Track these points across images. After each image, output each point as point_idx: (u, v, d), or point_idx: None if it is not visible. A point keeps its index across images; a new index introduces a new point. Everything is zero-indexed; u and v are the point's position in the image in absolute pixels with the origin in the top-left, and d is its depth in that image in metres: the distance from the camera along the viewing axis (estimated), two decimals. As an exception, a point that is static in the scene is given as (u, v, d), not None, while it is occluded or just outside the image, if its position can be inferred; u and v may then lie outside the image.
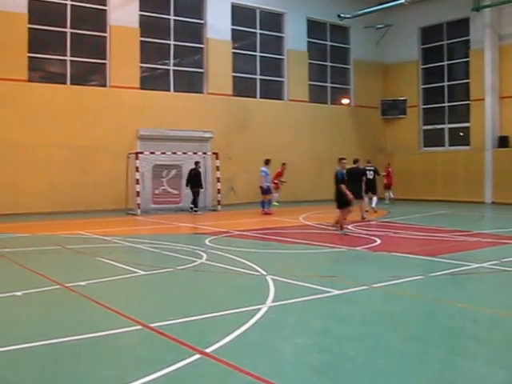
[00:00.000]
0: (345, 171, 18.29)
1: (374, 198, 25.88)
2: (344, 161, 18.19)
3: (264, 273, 11.33)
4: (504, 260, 12.83)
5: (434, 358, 6.59)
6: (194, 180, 26.12)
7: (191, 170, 26.46)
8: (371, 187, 25.60)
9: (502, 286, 10.85)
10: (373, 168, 26.38)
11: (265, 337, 7.32)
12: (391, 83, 37.22)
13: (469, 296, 10.09)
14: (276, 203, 27.86)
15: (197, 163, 26.69)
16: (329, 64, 35.84)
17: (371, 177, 25.81)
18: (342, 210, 17.74)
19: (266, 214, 25.32)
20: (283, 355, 6.69)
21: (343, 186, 17.43)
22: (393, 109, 36.82)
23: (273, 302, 9.02)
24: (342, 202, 17.62)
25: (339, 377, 6.02)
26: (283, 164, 28.29)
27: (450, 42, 35.02)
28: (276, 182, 28.25)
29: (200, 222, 22.49)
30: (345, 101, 36.63)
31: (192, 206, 26.23)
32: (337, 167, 18.14)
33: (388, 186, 31.52)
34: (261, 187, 26.09)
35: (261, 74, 32.76)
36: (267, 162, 26.31)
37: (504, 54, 31.66)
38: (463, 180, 29.40)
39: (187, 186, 26.37)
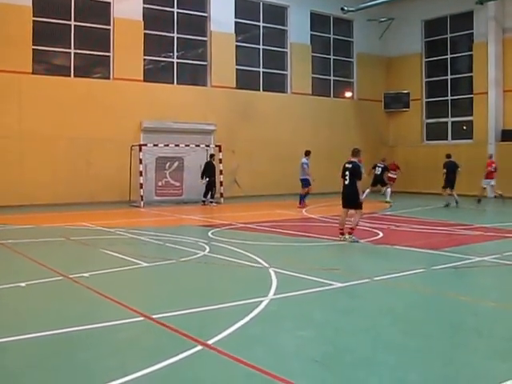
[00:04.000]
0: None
1: (388, 190, 27.55)
2: (360, 153, 15.79)
3: (266, 265, 11.38)
4: (506, 254, 12.86)
5: (435, 351, 6.63)
6: (211, 171, 26.53)
7: (207, 162, 26.93)
8: (381, 181, 27.88)
9: (503, 279, 10.91)
10: (382, 165, 28.21)
11: (266, 329, 7.37)
12: (394, 76, 37.19)
13: (470, 289, 10.15)
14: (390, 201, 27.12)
15: (212, 156, 27.15)
16: (332, 57, 35.79)
17: (378, 173, 27.87)
18: (360, 211, 15.34)
19: (301, 207, 24.70)
20: (284, 347, 6.73)
21: (360, 183, 15.01)
22: (396, 102, 36.77)
23: (275, 294, 9.07)
24: (358, 203, 15.07)
25: (340, 369, 6.07)
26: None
27: (453, 35, 34.92)
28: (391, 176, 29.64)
29: (203, 215, 22.52)
30: (348, 94, 36.62)
31: (205, 199, 26.45)
32: (351, 159, 15.40)
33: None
34: (301, 180, 25.48)
35: (264, 67, 32.74)
36: (307, 153, 25.60)
37: (508, 47, 31.59)
38: (466, 173, 29.29)
39: (202, 177, 26.51)
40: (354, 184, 14.91)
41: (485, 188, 27.22)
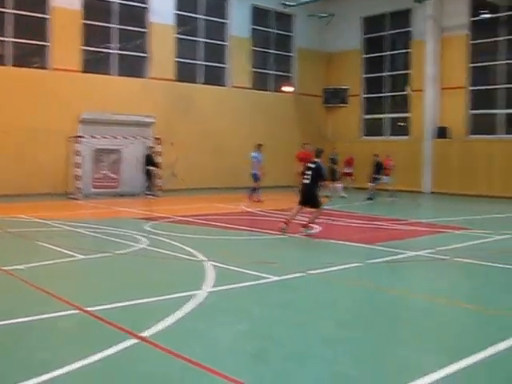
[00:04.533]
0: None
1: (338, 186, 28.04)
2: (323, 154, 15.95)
3: (204, 258, 11.39)
4: (439, 248, 13.12)
5: (368, 343, 6.75)
6: (150, 163, 26.58)
7: (147, 155, 27.00)
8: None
9: (436, 273, 11.12)
10: (331, 157, 28.71)
11: (202, 322, 7.38)
12: (334, 72, 37.48)
13: (404, 283, 10.34)
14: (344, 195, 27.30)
15: (150, 148, 27.18)
16: (272, 51, 35.89)
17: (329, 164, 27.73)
18: (319, 210, 15.44)
19: (256, 201, 23.95)
20: (220, 341, 6.77)
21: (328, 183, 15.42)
22: (335, 97, 37.08)
23: (212, 287, 9.09)
24: (318, 201, 15.27)
25: (276, 363, 6.10)
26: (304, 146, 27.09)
27: (392, 32, 35.37)
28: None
29: (141, 207, 22.40)
30: (287, 88, 36.71)
31: (149, 192, 26.45)
32: (314, 160, 15.46)
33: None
34: (251, 174, 24.76)
35: (204, 60, 32.64)
36: (258, 147, 24.96)
37: (445, 45, 32.12)
38: (402, 169, 29.75)
39: (147, 170, 26.67)
40: (315, 184, 15.11)
41: (386, 183, 27.77)
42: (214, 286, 9.15)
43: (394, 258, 12.11)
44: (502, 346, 6.56)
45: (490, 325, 7.71)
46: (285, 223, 15.16)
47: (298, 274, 10.19)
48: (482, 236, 15.49)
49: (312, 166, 15.19)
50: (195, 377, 5.69)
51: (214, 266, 10.65)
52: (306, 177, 15.18)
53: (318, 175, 15.08)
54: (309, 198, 15.19)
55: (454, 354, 6.35)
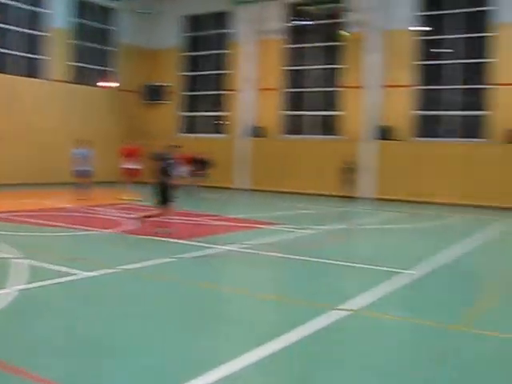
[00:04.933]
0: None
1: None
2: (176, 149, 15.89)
3: (16, 256, 11.29)
4: (251, 243, 13.90)
5: (176, 335, 7.15)
6: None
7: None
8: None
9: (245, 267, 11.76)
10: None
11: (12, 322, 7.40)
12: (155, 69, 37.55)
13: (214, 276, 10.88)
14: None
15: None
16: (94, 45, 35.42)
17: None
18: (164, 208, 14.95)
19: (82, 198, 22.66)
20: (28, 338, 6.78)
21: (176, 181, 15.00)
22: (155, 94, 37.13)
23: (23, 285, 9.08)
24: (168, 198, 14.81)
25: (86, 358, 6.23)
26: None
27: (211, 32, 36.16)
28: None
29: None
30: (108, 83, 36.37)
31: None
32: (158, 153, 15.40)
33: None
34: (75, 171, 23.49)
35: (21, 51, 31.62)
36: (81, 144, 23.85)
37: (262, 48, 33.17)
38: (220, 167, 30.37)
39: None
40: (167, 181, 14.73)
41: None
42: (25, 284, 9.16)
43: (207, 252, 12.67)
44: (299, 332, 7.15)
45: (289, 313, 8.35)
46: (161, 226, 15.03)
47: (110, 270, 10.40)
48: (293, 231, 16.37)
49: (168, 162, 14.87)
50: (3, 380, 5.62)
51: (26, 263, 10.60)
52: (161, 173, 14.78)
53: (170, 172, 14.81)
54: (162, 194, 14.71)
55: (255, 342, 6.84)
